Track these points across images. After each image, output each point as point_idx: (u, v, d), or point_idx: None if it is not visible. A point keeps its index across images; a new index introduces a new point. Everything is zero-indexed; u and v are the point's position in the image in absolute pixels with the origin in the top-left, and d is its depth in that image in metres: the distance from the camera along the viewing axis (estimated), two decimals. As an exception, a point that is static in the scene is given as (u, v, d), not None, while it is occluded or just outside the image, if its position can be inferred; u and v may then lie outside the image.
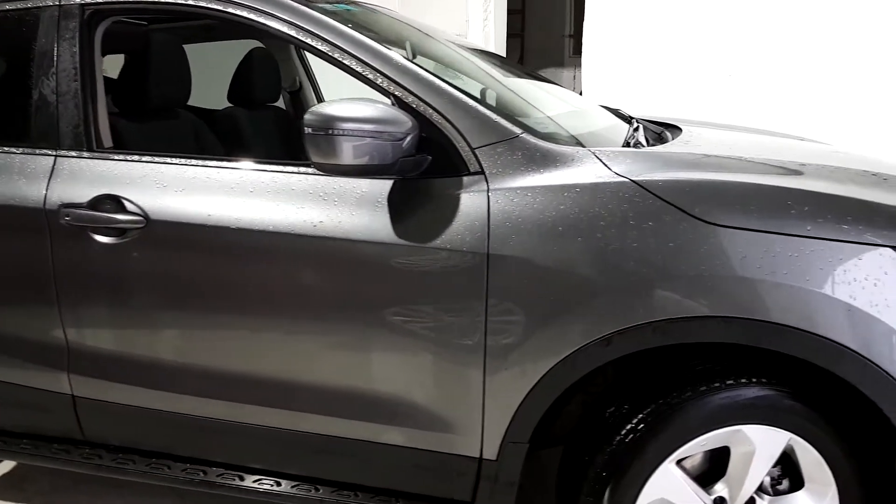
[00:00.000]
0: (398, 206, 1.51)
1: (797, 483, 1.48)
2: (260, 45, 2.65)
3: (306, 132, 1.35)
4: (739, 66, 4.14)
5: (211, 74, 2.63)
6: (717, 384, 1.42)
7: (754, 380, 1.42)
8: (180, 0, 1.73)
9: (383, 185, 1.53)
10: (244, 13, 1.65)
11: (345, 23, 1.64)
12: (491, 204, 1.46)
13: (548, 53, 8.41)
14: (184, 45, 2.19)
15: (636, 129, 1.97)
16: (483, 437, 1.54)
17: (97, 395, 1.82)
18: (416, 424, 1.58)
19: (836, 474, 1.43)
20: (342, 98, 1.40)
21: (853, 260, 1.31)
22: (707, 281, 1.34)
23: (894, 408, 1.32)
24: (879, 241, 1.31)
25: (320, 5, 1.74)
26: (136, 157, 1.72)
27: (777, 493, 1.50)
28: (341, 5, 1.93)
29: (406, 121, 1.43)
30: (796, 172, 1.57)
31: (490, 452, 1.55)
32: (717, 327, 1.35)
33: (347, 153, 1.36)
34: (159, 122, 2.17)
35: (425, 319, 1.52)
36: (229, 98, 2.58)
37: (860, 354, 1.29)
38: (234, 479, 1.78)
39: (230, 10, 1.66)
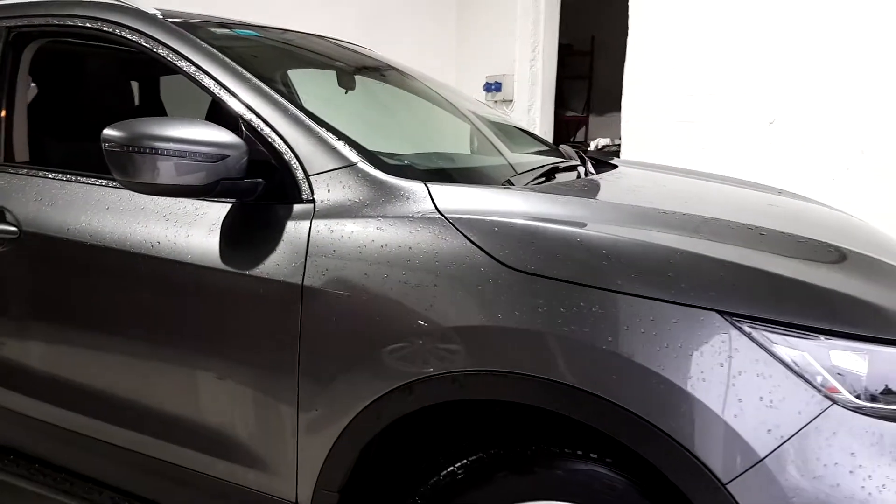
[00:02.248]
0: (231, 230, 1.47)
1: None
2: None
3: (104, 148, 1.34)
4: (780, 112, 3.85)
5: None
6: (528, 450, 1.26)
7: (570, 450, 1.24)
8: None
9: (221, 209, 1.49)
10: (123, 32, 1.69)
11: (216, 45, 1.64)
12: (311, 234, 1.39)
13: (615, 95, 8.20)
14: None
15: (555, 169, 1.84)
16: (297, 481, 1.45)
17: (-18, 397, 1.87)
18: (241, 461, 1.51)
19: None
20: (150, 117, 1.38)
21: (669, 323, 1.13)
22: (507, 333, 1.20)
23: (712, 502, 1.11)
24: (703, 305, 1.13)
25: (211, 30, 1.76)
26: (21, 171, 1.78)
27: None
28: (245, 31, 1.94)
29: (228, 142, 1.38)
30: (662, 224, 1.37)
31: (304, 498, 1.45)
32: (513, 385, 1.20)
33: (149, 172, 1.33)
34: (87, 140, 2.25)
35: (247, 352, 1.46)
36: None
37: (663, 431, 1.11)
38: (94, 495, 1.77)
39: (108, 29, 1.71)
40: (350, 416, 1.35)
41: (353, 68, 2.37)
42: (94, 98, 2.18)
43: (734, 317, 1.12)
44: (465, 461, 1.32)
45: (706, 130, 4.25)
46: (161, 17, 1.72)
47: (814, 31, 3.67)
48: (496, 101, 6.21)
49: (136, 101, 2.41)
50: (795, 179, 3.79)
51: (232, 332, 1.46)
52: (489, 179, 1.64)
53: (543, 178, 1.76)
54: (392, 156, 1.57)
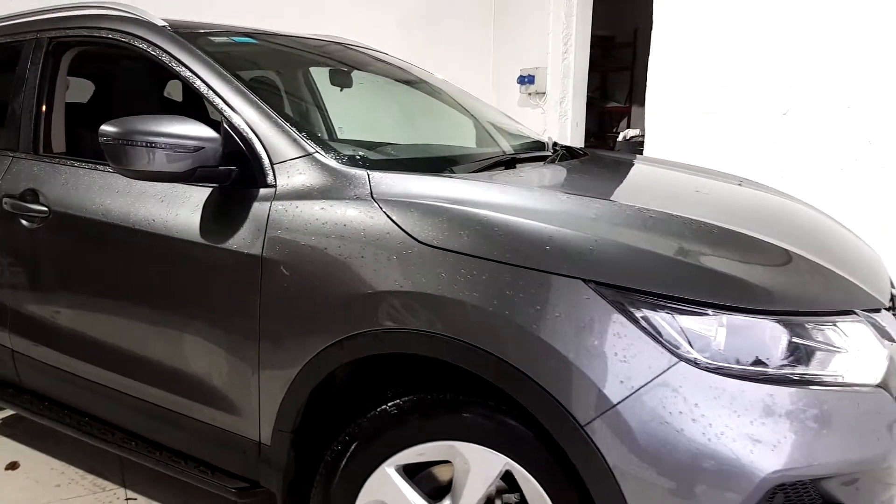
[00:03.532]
0: (209, 210, 1.74)
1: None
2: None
3: (101, 141, 1.63)
4: (793, 104, 3.88)
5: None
6: (435, 397, 1.48)
7: (473, 398, 1.45)
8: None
9: (204, 193, 1.76)
10: (132, 41, 1.99)
11: (209, 52, 1.91)
12: (271, 213, 1.64)
13: (656, 86, 8.16)
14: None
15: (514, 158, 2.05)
16: (260, 423, 1.71)
17: (25, 351, 2.22)
18: (216, 406, 1.79)
19: (557, 506, 1.42)
20: (140, 115, 1.66)
21: (543, 289, 1.32)
22: (416, 297, 1.42)
23: (572, 443, 1.30)
24: (572, 275, 1.32)
25: (210, 38, 2.04)
26: (53, 160, 2.11)
27: (508, 516, 1.50)
28: (242, 38, 2.21)
29: (204, 136, 1.64)
30: (558, 207, 1.54)
31: (266, 437, 1.71)
32: (421, 341, 1.42)
33: (138, 160, 1.60)
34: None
35: (220, 314, 1.72)
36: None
37: (534, 380, 1.30)
38: (108, 436, 2.08)
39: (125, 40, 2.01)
40: (297, 367, 1.59)
41: (347, 66, 2.62)
42: (118, 97, 2.51)
43: (597, 285, 1.30)
44: (397, 401, 1.53)
45: (724, 122, 4.30)
46: (167, 27, 2.00)
47: (825, 24, 3.69)
48: (530, 94, 6.35)
49: (155, 100, 2.73)
50: (806, 170, 3.83)
51: (208, 297, 1.74)
52: (439, 168, 1.84)
53: (505, 166, 1.97)
54: (359, 146, 1.80)
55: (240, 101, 1.78)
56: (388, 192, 1.56)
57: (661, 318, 1.28)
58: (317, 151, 1.69)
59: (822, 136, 3.74)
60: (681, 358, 1.26)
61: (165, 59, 1.92)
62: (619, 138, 5.62)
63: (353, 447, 1.54)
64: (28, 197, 2.08)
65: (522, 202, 1.54)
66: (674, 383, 1.25)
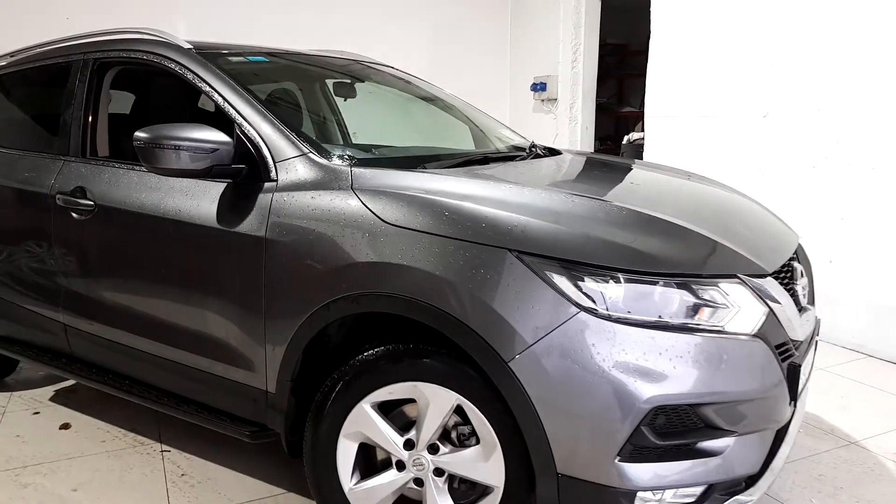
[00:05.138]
0: (224, 201, 2.13)
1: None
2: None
3: (135, 145, 2.02)
4: (772, 106, 4.16)
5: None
6: (401, 347, 1.84)
7: (431, 348, 1.81)
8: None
9: (220, 187, 2.16)
10: (165, 63, 2.40)
11: (225, 69, 2.31)
12: (273, 202, 2.03)
13: (667, 91, 8.41)
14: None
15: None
16: (267, 374, 2.08)
17: (75, 325, 2.64)
18: (233, 363, 2.17)
19: (500, 436, 1.76)
20: (168, 123, 2.05)
21: (478, 257, 1.67)
22: (382, 266, 1.78)
23: (500, 377, 1.65)
24: (499, 245, 1.67)
25: (228, 57, 2.44)
26: (98, 162, 2.53)
27: (462, 446, 1.85)
28: (256, 57, 2.61)
29: (216, 138, 2.02)
30: (503, 195, 1.88)
31: (272, 387, 2.08)
32: (386, 302, 1.79)
33: (165, 160, 2.00)
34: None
35: (234, 286, 2.11)
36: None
37: (470, 327, 1.65)
38: (146, 394, 2.49)
39: (160, 61, 2.42)
40: (294, 328, 1.96)
41: (352, 78, 3.00)
42: (156, 108, 2.94)
43: (519, 253, 1.65)
44: (372, 351, 1.89)
45: (714, 124, 4.59)
46: (192, 49, 2.40)
47: (800, 35, 3.97)
48: (542, 100, 6.69)
49: (188, 111, 3.15)
50: (784, 167, 4.10)
51: (225, 273, 2.12)
52: (415, 165, 2.21)
53: (477, 164, 2.34)
54: (352, 148, 2.17)
55: (249, 110, 2.17)
56: (364, 184, 1.94)
57: (567, 278, 1.62)
58: (311, 151, 2.07)
59: (796, 136, 4.02)
60: (582, 308, 1.60)
61: (189, 76, 2.32)
62: (624, 141, 5.91)
63: (337, 389, 1.91)
64: (77, 193, 2.51)
65: (471, 190, 1.90)
66: (576, 328, 1.59)
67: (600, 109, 8.06)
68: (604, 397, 1.57)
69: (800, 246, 2.36)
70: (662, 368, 1.58)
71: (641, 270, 1.64)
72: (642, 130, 5.31)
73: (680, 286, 1.65)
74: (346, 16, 6.13)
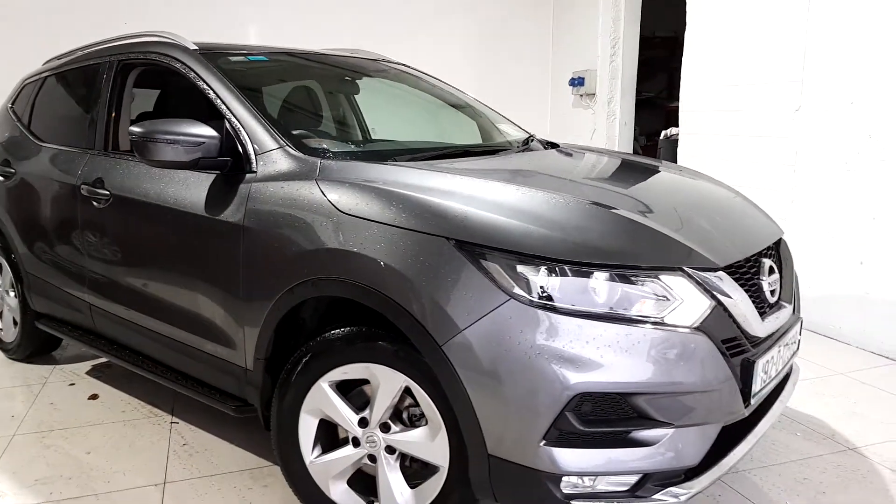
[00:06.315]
0: (211, 191, 2.29)
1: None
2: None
3: (130, 139, 2.20)
4: (805, 101, 4.03)
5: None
6: (355, 329, 1.94)
7: (382, 332, 1.90)
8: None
9: (210, 177, 2.31)
10: (169, 62, 2.58)
11: (223, 68, 2.47)
12: (251, 191, 2.17)
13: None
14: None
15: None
16: (245, 352, 2.23)
17: (97, 303, 2.88)
18: (218, 340, 2.33)
19: (444, 417, 1.83)
20: (158, 119, 2.22)
21: (418, 245, 1.75)
22: (336, 253, 1.89)
23: (435, 359, 1.72)
24: (438, 234, 1.74)
25: (228, 57, 2.61)
26: (115, 155, 2.75)
27: (413, 426, 1.93)
28: (257, 56, 2.77)
29: (203, 133, 2.18)
30: (460, 187, 1.94)
31: (250, 364, 2.23)
32: (339, 286, 1.89)
33: (156, 153, 2.17)
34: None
35: (218, 269, 2.26)
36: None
37: (408, 311, 1.73)
38: (154, 368, 2.69)
39: (166, 61, 2.60)
40: (266, 309, 2.10)
41: (354, 75, 3.12)
42: (177, 106, 3.15)
43: (457, 242, 1.72)
44: (333, 331, 2.00)
45: (746, 119, 4.46)
46: (196, 49, 2.58)
47: (833, 27, 3.81)
48: (581, 95, 6.64)
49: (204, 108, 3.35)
50: (816, 162, 3.96)
51: (210, 256, 2.28)
52: (386, 158, 2.30)
53: (455, 157, 2.41)
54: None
55: (236, 105, 2.32)
56: (329, 175, 2.05)
57: (499, 267, 1.68)
58: (287, 144, 2.20)
59: (828, 130, 3.87)
60: (512, 296, 1.65)
61: (191, 75, 2.50)
62: (661, 137, 5.81)
63: (298, 367, 2.03)
64: (97, 184, 2.73)
65: (424, 182, 1.97)
66: (506, 315, 1.65)
67: (649, 104, 7.89)
68: (529, 382, 1.62)
69: (782, 242, 2.32)
70: (589, 356, 1.61)
71: (575, 261, 1.67)
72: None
73: (616, 277, 1.68)
74: (392, 14, 6.28)
